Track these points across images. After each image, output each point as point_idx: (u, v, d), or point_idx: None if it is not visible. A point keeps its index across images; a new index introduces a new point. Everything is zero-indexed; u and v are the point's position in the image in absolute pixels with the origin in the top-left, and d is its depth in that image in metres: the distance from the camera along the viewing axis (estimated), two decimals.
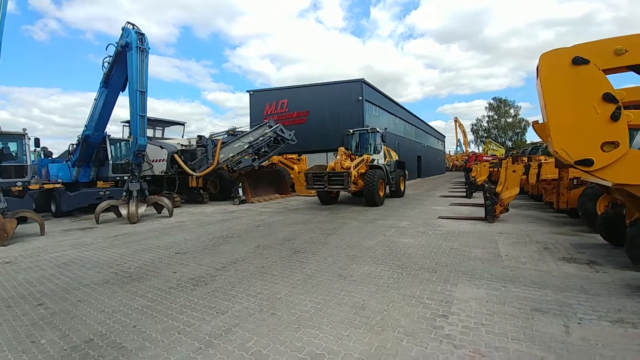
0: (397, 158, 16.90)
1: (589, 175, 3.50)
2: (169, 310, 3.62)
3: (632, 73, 3.42)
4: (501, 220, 8.68)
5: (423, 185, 26.27)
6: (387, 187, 14.40)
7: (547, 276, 4.36)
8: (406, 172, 18.16)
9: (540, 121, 3.96)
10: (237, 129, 16.77)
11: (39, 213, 9.31)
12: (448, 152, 73.22)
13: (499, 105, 70.44)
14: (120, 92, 11.22)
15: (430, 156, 48.94)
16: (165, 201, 11.37)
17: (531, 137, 68.15)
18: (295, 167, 19.12)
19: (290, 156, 19.81)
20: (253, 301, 3.80)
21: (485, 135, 70.40)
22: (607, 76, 3.30)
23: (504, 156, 35.15)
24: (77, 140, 12.69)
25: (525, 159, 11.48)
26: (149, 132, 15.58)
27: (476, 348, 2.70)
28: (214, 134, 16.91)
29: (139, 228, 9.23)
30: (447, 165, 66.49)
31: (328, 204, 13.72)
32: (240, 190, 15.02)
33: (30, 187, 11.04)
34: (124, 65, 10.26)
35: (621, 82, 3.62)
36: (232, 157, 15.07)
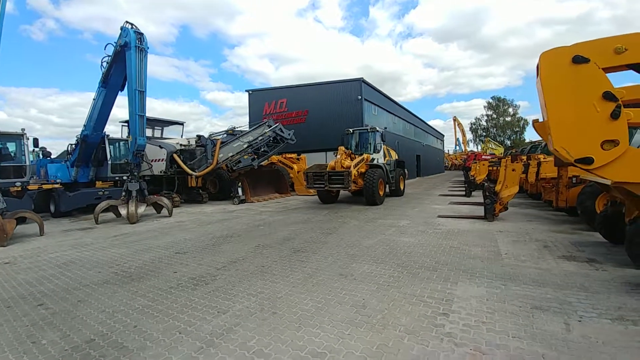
0: (396, 157, 16.91)
1: (589, 173, 3.52)
2: (170, 310, 3.61)
3: (631, 72, 3.43)
4: (501, 219, 8.70)
5: (422, 184, 26.29)
6: (387, 186, 14.42)
7: (547, 274, 4.38)
8: (406, 171, 18.17)
9: (541, 120, 3.97)
10: (237, 129, 16.74)
11: (38, 213, 9.28)
12: (447, 151, 73.33)
13: (498, 104, 70.50)
14: (119, 92, 11.20)
15: (430, 155, 48.97)
16: (165, 201, 11.36)
17: (530, 135, 68.28)
18: (295, 166, 19.12)
19: (289, 155, 19.80)
20: (254, 300, 3.81)
21: (484, 134, 70.50)
22: (606, 75, 3.31)
23: (503, 155, 35.25)
24: (76, 140, 12.66)
25: (525, 157, 11.50)
26: (148, 132, 15.53)
27: (477, 346, 2.71)
28: (213, 134, 16.87)
29: (138, 228, 9.22)
30: (446, 164, 66.56)
31: (328, 203, 13.73)
32: (239, 190, 15.00)
33: (29, 187, 11.00)
34: (123, 64, 10.23)
35: (620, 80, 3.63)
36: (231, 156, 15.05)
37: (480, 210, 9.35)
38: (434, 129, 58.17)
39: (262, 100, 30.66)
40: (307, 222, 9.15)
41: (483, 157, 36.55)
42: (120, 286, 4.47)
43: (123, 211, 10.18)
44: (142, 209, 10.49)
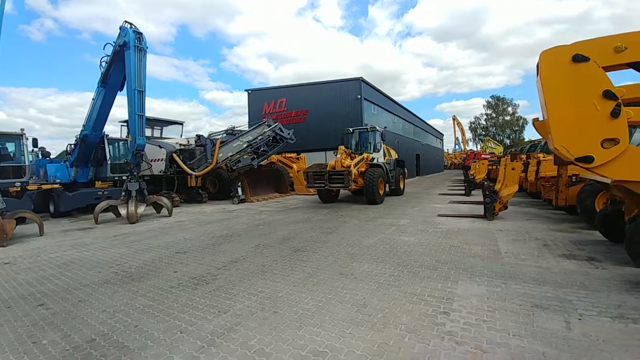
0: (396, 156, 16.91)
1: (589, 172, 3.52)
2: (171, 310, 3.61)
3: (631, 70, 3.44)
4: (500, 218, 8.71)
5: (422, 183, 26.30)
6: (387, 185, 14.44)
7: (547, 273, 4.38)
8: (405, 170, 18.18)
9: (541, 118, 3.98)
10: (236, 128, 16.73)
11: (38, 213, 9.27)
12: (446, 151, 73.35)
13: (497, 103, 70.58)
14: (118, 92, 11.19)
15: (429, 154, 48.99)
16: (165, 201, 11.35)
17: (529, 134, 68.33)
18: (294, 166, 19.13)
19: (289, 155, 19.81)
20: (254, 300, 3.81)
21: (484, 133, 70.55)
22: (606, 73, 3.32)
23: (502, 154, 35.28)
24: (75, 140, 12.65)
25: (524, 156, 11.51)
26: (147, 132, 15.52)
27: (478, 344, 2.71)
28: (212, 133, 16.85)
29: (138, 228, 9.21)
30: (446, 164, 66.60)
31: (328, 202, 13.75)
32: (239, 190, 14.99)
33: (29, 187, 10.98)
34: (122, 64, 10.21)
35: (620, 79, 3.63)
36: (231, 156, 15.05)
37: (480, 209, 9.36)
38: (433, 128, 58.21)
39: (261, 100, 30.64)
40: (307, 222, 9.15)
41: (482, 156, 36.60)
42: (121, 286, 4.47)
43: (123, 211, 10.18)
44: (141, 209, 10.48)
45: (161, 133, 19.07)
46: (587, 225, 6.98)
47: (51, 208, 12.18)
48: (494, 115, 70.77)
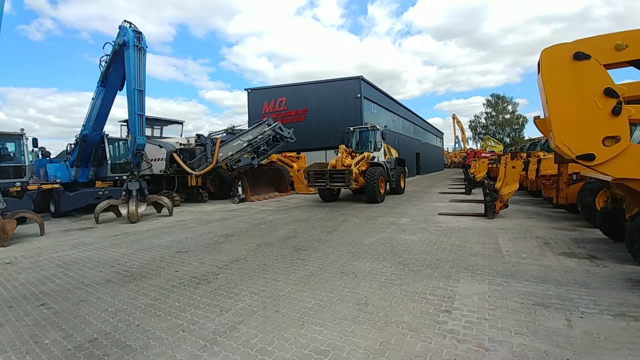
0: (397, 155, 16.93)
1: (590, 170, 3.52)
2: (173, 309, 3.62)
3: (632, 68, 3.43)
4: (501, 216, 8.71)
5: (422, 182, 26.30)
6: (388, 184, 14.45)
7: (548, 271, 4.39)
8: (406, 169, 18.19)
9: (542, 116, 3.98)
10: (236, 128, 16.72)
11: (38, 213, 9.27)
12: (446, 149, 73.30)
13: (497, 102, 70.54)
14: (118, 91, 11.18)
15: (429, 153, 48.96)
16: (165, 200, 11.35)
17: (529, 133, 68.32)
18: (295, 165, 19.12)
19: (289, 154, 19.81)
20: (256, 299, 3.81)
21: (484, 131, 70.51)
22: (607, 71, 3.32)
23: (502, 152, 35.27)
24: (75, 140, 12.65)
25: (524, 155, 11.50)
26: (147, 131, 15.50)
27: (480, 342, 2.71)
28: (212, 133, 16.84)
29: (139, 227, 9.21)
30: (446, 162, 66.57)
31: (329, 201, 13.77)
32: (239, 189, 14.99)
33: (29, 187, 10.99)
34: (122, 64, 10.21)
35: (621, 77, 3.63)
36: (231, 155, 15.05)
37: (480, 208, 9.36)
38: (433, 126, 58.16)
39: (261, 99, 30.61)
40: (308, 221, 9.16)
41: (483, 154, 36.58)
42: (123, 285, 4.47)
43: (123, 211, 10.18)
44: (142, 209, 10.48)
45: (161, 133, 19.06)
46: (588, 224, 6.99)
47: (52, 208, 12.19)
48: (493, 113, 70.74)
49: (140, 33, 10.04)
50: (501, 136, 68.46)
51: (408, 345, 2.73)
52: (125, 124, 15.33)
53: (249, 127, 17.27)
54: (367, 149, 14.67)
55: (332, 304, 3.59)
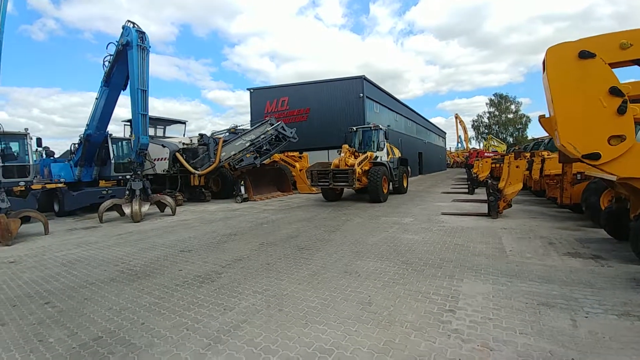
0: (399, 155, 16.91)
1: (595, 169, 3.50)
2: (177, 307, 3.63)
3: (637, 67, 3.42)
4: (504, 216, 8.68)
5: (425, 182, 26.26)
6: (391, 183, 14.44)
7: (553, 271, 4.37)
8: (409, 168, 18.17)
9: (547, 115, 3.96)
10: (239, 127, 16.75)
11: (42, 213, 9.31)
12: (449, 149, 73.16)
13: (500, 101, 70.32)
14: (122, 91, 11.21)
15: (431, 153, 48.89)
16: (168, 200, 11.38)
17: (532, 132, 68.03)
18: (297, 164, 19.12)
19: (291, 154, 19.81)
20: (260, 298, 3.82)
21: (486, 131, 70.28)
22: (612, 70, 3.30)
23: (506, 152, 35.17)
24: (79, 139, 12.70)
25: (528, 154, 11.46)
26: (151, 131, 15.54)
27: (484, 342, 2.71)
28: (215, 132, 16.87)
29: (142, 227, 9.25)
30: (448, 162, 66.44)
31: (332, 200, 13.78)
32: (242, 189, 15.02)
33: (33, 187, 11.03)
34: (125, 64, 10.24)
35: (626, 76, 3.61)
36: (233, 155, 15.07)
37: (483, 208, 9.34)
38: (435, 126, 58.09)
39: (263, 99, 30.66)
40: (310, 220, 9.16)
41: (485, 154, 36.50)
42: (127, 284, 4.48)
43: (127, 210, 10.21)
44: (145, 208, 10.52)
45: (164, 132, 19.11)
46: (592, 223, 6.95)
47: (55, 207, 12.25)
48: (496, 113, 70.53)
49: (143, 33, 10.07)
50: (504, 136, 68.25)
51: (412, 344, 2.72)
52: (129, 123, 15.34)
53: (251, 126, 17.30)
54: (370, 148, 14.66)
55: (335, 303, 3.59)
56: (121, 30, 10.15)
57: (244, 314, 3.39)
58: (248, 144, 15.41)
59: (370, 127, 15.28)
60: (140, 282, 4.53)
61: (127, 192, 10.52)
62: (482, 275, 4.30)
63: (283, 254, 5.73)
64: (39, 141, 11.63)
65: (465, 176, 24.56)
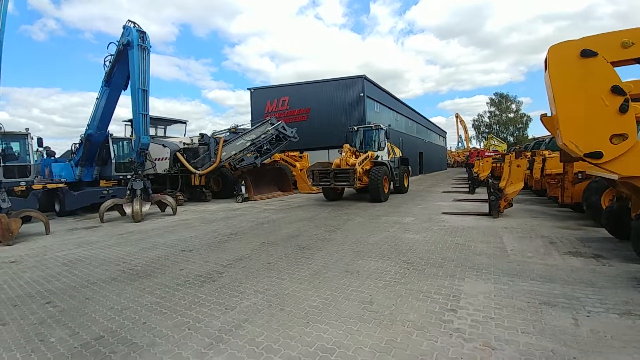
0: (400, 154, 16.91)
1: (597, 168, 3.50)
2: (178, 307, 3.63)
3: (638, 66, 3.41)
4: (505, 215, 8.68)
5: (425, 181, 26.25)
6: (391, 183, 14.43)
7: (554, 270, 4.36)
8: (409, 168, 18.17)
9: (549, 114, 3.95)
10: (239, 127, 16.75)
11: (43, 212, 9.31)
12: (449, 148, 73.11)
13: (500, 101, 70.17)
14: (122, 91, 11.21)
15: (432, 152, 48.86)
16: (169, 199, 11.38)
17: (533, 132, 67.94)
18: (297, 164, 19.12)
19: (292, 153, 19.81)
20: (261, 297, 3.81)
21: (487, 130, 70.19)
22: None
23: (506, 151, 35.15)
24: (80, 139, 12.71)
25: (529, 153, 11.45)
26: (151, 131, 15.57)
27: (486, 341, 2.70)
28: (216, 132, 16.87)
29: (143, 226, 9.25)
30: (449, 162, 66.40)
31: (333, 200, 13.79)
32: (243, 188, 15.02)
33: (34, 186, 11.05)
34: (126, 63, 10.24)
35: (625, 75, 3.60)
36: (234, 154, 15.07)
37: (484, 207, 9.33)
38: (436, 125, 58.06)
39: (264, 99, 30.66)
40: (311, 220, 9.16)
41: (486, 154, 36.47)
42: (128, 283, 4.49)
43: (128, 210, 10.22)
44: (146, 208, 10.53)
45: (165, 132, 19.13)
46: (593, 223, 6.95)
47: (56, 207, 12.26)
48: (497, 112, 70.37)
49: (144, 33, 10.07)
50: (505, 135, 68.13)
51: (414, 343, 2.72)
52: (130, 123, 15.36)
53: (252, 126, 17.30)
54: (371, 148, 14.67)
55: (337, 302, 3.59)
56: (122, 30, 10.16)
57: (246, 314, 3.39)
58: (249, 144, 15.41)
59: (371, 127, 15.29)
60: (141, 282, 4.53)
61: (128, 192, 10.52)
62: (484, 274, 4.30)
63: (284, 253, 5.73)
64: (39, 141, 11.62)
65: (466, 176, 24.55)
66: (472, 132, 74.12)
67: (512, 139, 66.72)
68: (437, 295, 3.67)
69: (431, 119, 55.30)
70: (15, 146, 11.10)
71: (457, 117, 74.05)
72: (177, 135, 18.93)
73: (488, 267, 4.56)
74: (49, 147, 14.39)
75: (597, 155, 3.26)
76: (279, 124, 16.39)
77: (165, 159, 15.28)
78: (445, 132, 67.10)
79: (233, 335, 2.95)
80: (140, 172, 10.73)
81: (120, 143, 13.96)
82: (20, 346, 2.94)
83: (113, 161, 13.17)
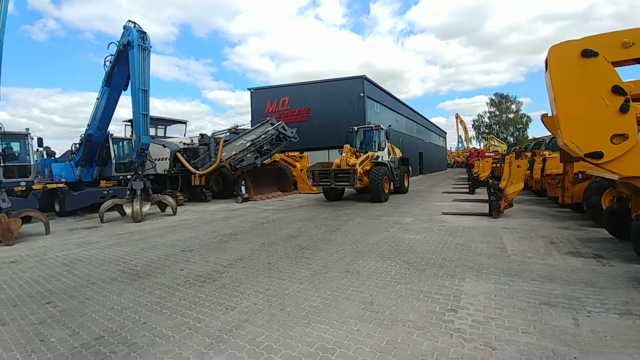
0: (400, 155, 16.91)
1: (597, 168, 3.50)
2: (178, 307, 3.63)
3: (638, 66, 3.41)
4: (505, 216, 8.67)
5: (425, 181, 26.25)
6: (392, 183, 14.43)
7: (554, 270, 4.36)
8: (410, 168, 18.17)
9: (549, 114, 3.95)
10: (239, 127, 16.75)
11: (43, 213, 9.31)
12: (449, 149, 73.11)
13: (500, 101, 70.23)
14: (123, 91, 11.22)
15: (432, 153, 48.87)
16: (169, 199, 11.38)
17: (533, 132, 67.96)
18: (297, 164, 19.12)
19: (292, 154, 19.81)
20: (261, 297, 3.81)
21: (487, 131, 70.21)
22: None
23: (506, 152, 35.16)
24: (80, 139, 12.71)
25: (529, 154, 11.44)
26: (151, 131, 15.56)
27: (487, 341, 2.70)
28: (216, 132, 16.87)
29: (143, 226, 9.25)
30: (449, 162, 66.40)
31: (333, 200, 13.80)
32: (243, 188, 15.02)
33: (34, 186, 11.05)
34: (126, 64, 10.24)
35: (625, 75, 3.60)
36: (234, 155, 15.07)
37: (484, 207, 9.33)
38: (436, 126, 58.08)
39: (264, 99, 30.66)
40: (311, 220, 9.15)
41: (486, 154, 36.48)
42: (128, 283, 4.48)
43: (128, 210, 10.21)
44: (146, 208, 10.53)
45: (165, 132, 19.13)
46: (594, 223, 6.94)
47: (56, 207, 12.26)
48: (497, 113, 70.42)
49: (144, 33, 10.07)
50: (505, 135, 68.18)
51: (415, 344, 2.72)
52: (130, 123, 15.37)
53: (252, 126, 17.30)
54: (372, 148, 14.67)
55: (337, 302, 3.59)
56: (122, 30, 10.16)
57: (246, 314, 3.39)
58: (249, 144, 15.41)
59: (372, 127, 15.30)
60: (141, 282, 4.53)
61: (128, 192, 10.52)
62: (484, 274, 4.30)
63: (284, 253, 5.73)
64: (40, 141, 11.63)
65: (466, 176, 24.55)
66: (472, 133, 74.26)
67: (512, 139, 66.77)
68: (437, 296, 3.67)
69: (431, 120, 55.41)
70: (16, 146, 11.10)
71: (457, 117, 74.09)
72: (177, 136, 18.93)
73: (488, 268, 4.56)
74: (49, 147, 14.38)
75: (598, 155, 3.27)
76: (279, 124, 16.39)
77: (166, 159, 15.28)
78: (445, 133, 67.18)
79: (233, 335, 2.95)
80: (140, 172, 10.73)
81: (121, 143, 13.97)
82: (20, 346, 2.94)
83: (113, 161, 13.17)
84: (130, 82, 10.40)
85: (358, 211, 10.57)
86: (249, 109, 32.03)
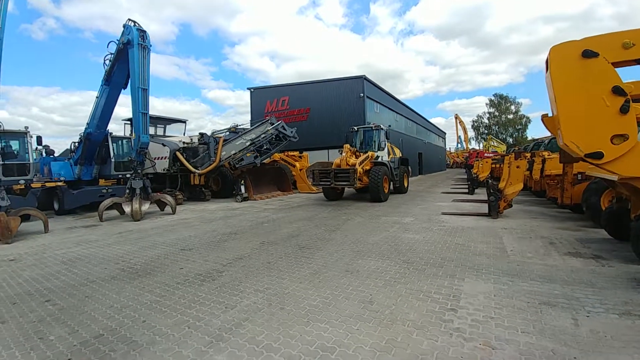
0: (400, 155, 16.92)
1: (597, 168, 3.50)
2: (178, 305, 3.62)
3: (638, 67, 3.42)
4: (505, 216, 8.68)
5: (425, 182, 26.26)
6: (391, 183, 14.46)
7: (554, 270, 4.37)
8: (409, 168, 18.19)
9: (550, 114, 3.96)
10: (239, 126, 16.73)
11: (42, 211, 9.29)
12: (449, 149, 73.14)
13: (500, 102, 70.27)
14: (122, 90, 11.21)
15: (431, 153, 48.91)
16: (169, 198, 11.36)
17: (532, 133, 68.06)
18: (297, 164, 19.11)
19: (291, 153, 19.81)
20: (261, 296, 3.81)
21: (486, 131, 70.25)
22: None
23: (505, 152, 35.22)
24: (79, 138, 12.69)
25: (529, 154, 11.45)
26: (151, 130, 15.53)
27: (486, 341, 2.70)
28: (215, 132, 16.85)
29: (142, 225, 9.24)
30: (448, 162, 66.45)
31: (333, 200, 13.81)
32: (242, 188, 15.02)
33: (33, 185, 11.02)
34: (126, 62, 10.24)
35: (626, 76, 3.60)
36: (234, 154, 15.06)
37: (483, 208, 9.34)
38: (435, 126, 58.13)
39: (263, 98, 30.65)
40: (311, 219, 9.15)
41: (485, 154, 36.53)
42: (127, 282, 4.48)
43: (127, 209, 10.20)
44: (145, 207, 10.51)
45: (164, 131, 19.10)
46: (593, 224, 6.95)
47: (55, 206, 12.24)
48: (496, 113, 70.46)
49: (144, 32, 10.06)
50: (504, 136, 68.23)
51: (414, 343, 2.72)
52: (129, 122, 15.35)
53: (251, 126, 17.27)
54: (371, 148, 14.69)
55: (337, 301, 3.59)
56: (122, 29, 10.14)
57: (246, 312, 3.39)
58: (248, 143, 15.40)
59: (372, 127, 15.31)
60: (141, 280, 4.52)
61: (127, 191, 10.51)
62: (484, 274, 4.30)
63: (284, 252, 5.72)
64: (39, 139, 11.61)
65: (465, 176, 24.57)
66: (471, 133, 74.29)
67: (511, 140, 66.82)
68: (437, 295, 3.67)
69: (431, 120, 55.50)
70: (15, 144, 11.11)
71: (456, 118, 74.07)
72: (176, 135, 18.90)
73: (488, 268, 4.56)
74: (48, 146, 14.35)
75: (598, 155, 3.27)
76: (278, 124, 16.37)
77: (165, 158, 15.25)
78: (445, 133, 67.22)
79: (233, 334, 2.95)
80: (139, 171, 10.71)
81: (120, 142, 13.98)
82: (20, 344, 2.93)
83: (112, 160, 13.17)
84: (130, 80, 10.39)
85: (358, 211, 10.57)
86: (249, 109, 32.04)
